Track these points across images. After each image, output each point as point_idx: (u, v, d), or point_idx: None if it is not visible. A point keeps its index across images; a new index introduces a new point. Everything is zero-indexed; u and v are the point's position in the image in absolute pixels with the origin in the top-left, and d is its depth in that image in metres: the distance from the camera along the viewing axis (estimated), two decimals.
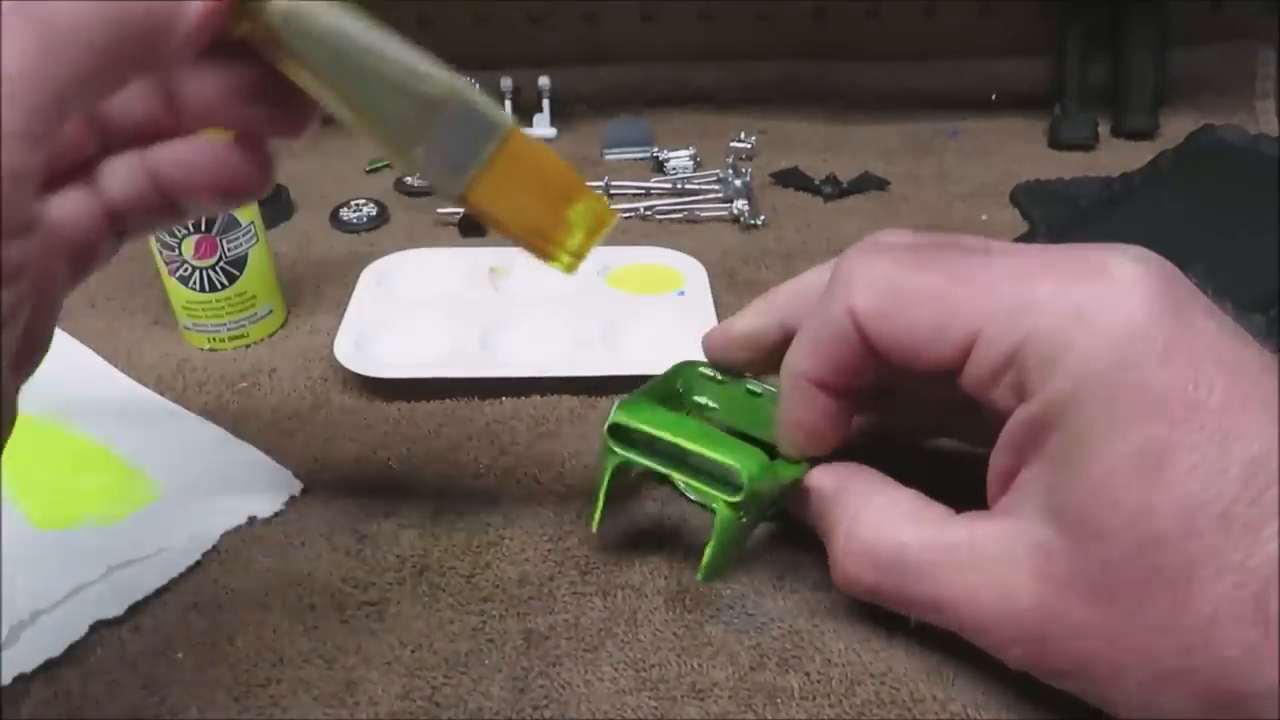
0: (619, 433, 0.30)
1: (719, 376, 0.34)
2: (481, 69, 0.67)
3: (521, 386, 0.40)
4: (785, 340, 0.30)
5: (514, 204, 0.24)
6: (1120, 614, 0.23)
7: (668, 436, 0.29)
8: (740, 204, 0.55)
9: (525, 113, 0.68)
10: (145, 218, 0.25)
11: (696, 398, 0.34)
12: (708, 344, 0.33)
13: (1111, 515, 0.23)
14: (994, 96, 0.69)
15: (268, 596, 0.31)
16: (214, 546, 0.32)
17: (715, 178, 0.59)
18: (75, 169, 0.25)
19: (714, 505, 0.29)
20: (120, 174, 0.25)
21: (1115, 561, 0.23)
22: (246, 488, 0.35)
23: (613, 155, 0.65)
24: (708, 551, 0.29)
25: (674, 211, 0.57)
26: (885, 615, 0.29)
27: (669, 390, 0.34)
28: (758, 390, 0.33)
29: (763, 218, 0.55)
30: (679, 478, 0.30)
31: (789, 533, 0.32)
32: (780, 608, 0.30)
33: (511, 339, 0.42)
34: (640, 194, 0.59)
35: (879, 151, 0.64)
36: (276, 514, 0.34)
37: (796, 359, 0.28)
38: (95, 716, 0.27)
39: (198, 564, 0.32)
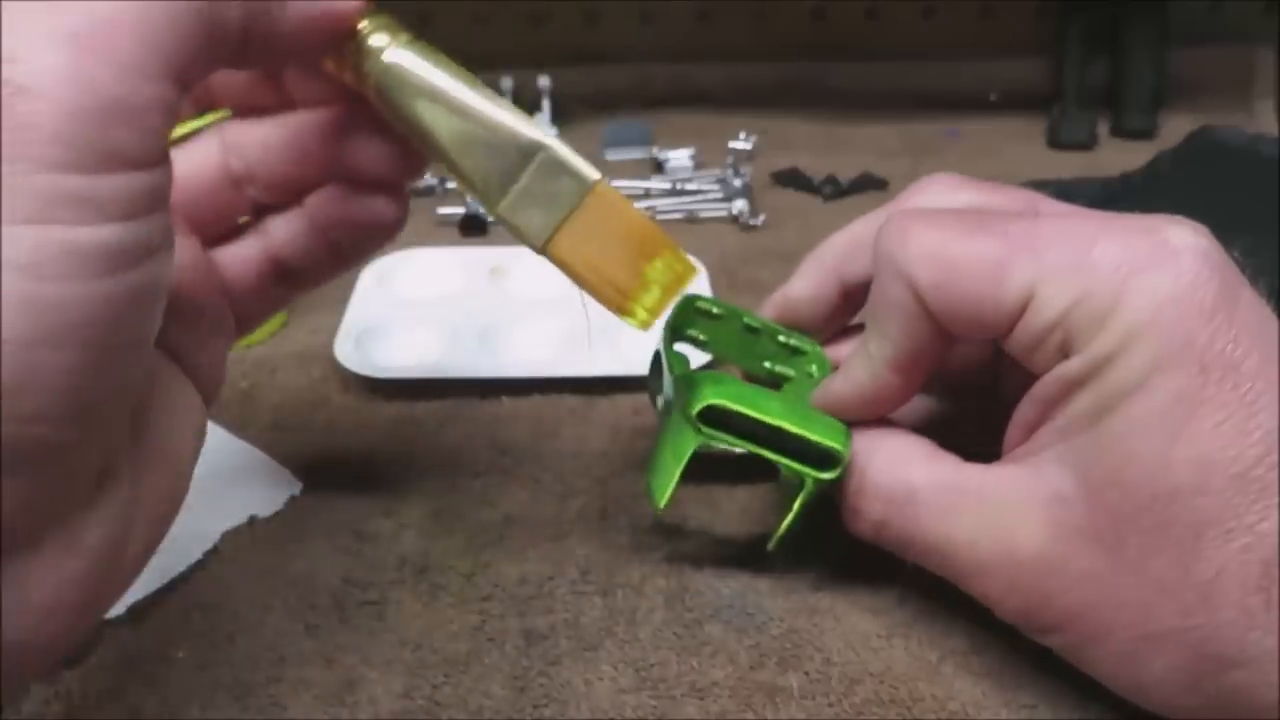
0: (708, 413, 0.28)
1: (715, 310, 0.33)
2: (481, 69, 0.67)
3: (521, 386, 0.40)
4: (843, 297, 0.31)
5: (594, 257, 0.24)
6: (1125, 566, 0.23)
7: (766, 419, 0.28)
8: (740, 204, 0.55)
9: (525, 113, 0.68)
10: (308, 263, 0.27)
11: (690, 331, 0.33)
12: (768, 315, 0.33)
13: (1131, 465, 0.23)
14: (994, 96, 0.69)
15: (268, 596, 0.31)
16: (214, 546, 0.32)
17: (715, 178, 0.59)
18: (238, 229, 0.27)
19: (804, 479, 0.28)
20: (283, 222, 0.27)
21: (1127, 512, 0.23)
22: (246, 488, 0.35)
23: (613, 155, 0.65)
24: (785, 524, 0.29)
25: (674, 211, 0.57)
26: (885, 615, 0.30)
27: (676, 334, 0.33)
28: (756, 325, 0.33)
29: (762, 218, 0.55)
30: (771, 456, 0.28)
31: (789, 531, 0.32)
32: (780, 608, 0.30)
33: (511, 339, 0.42)
34: (640, 194, 0.59)
35: (879, 151, 0.64)
36: (276, 514, 0.34)
37: (877, 347, 0.28)
38: (95, 716, 0.27)
39: (198, 564, 0.32)
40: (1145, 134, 0.65)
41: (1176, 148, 0.53)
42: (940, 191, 0.30)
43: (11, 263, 0.16)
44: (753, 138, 0.64)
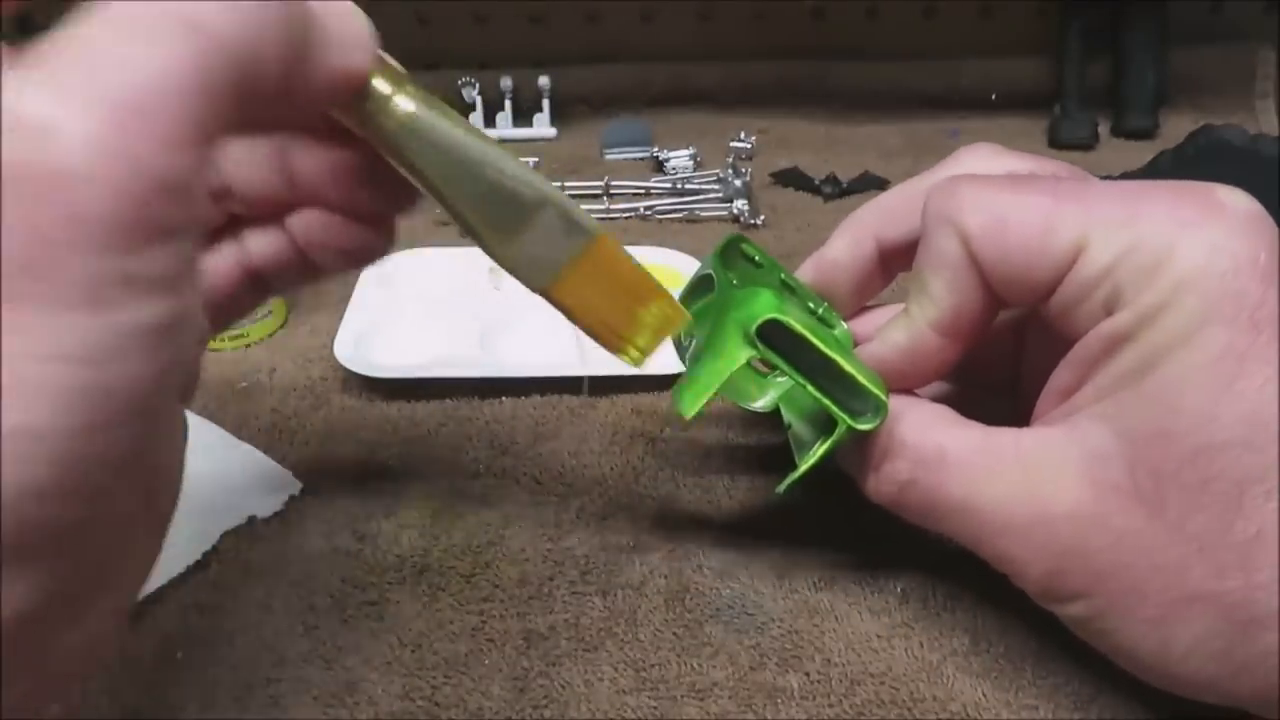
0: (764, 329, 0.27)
1: (757, 258, 0.32)
2: (481, 69, 0.67)
3: (521, 386, 0.40)
4: (880, 262, 0.31)
5: (592, 302, 0.25)
6: (1163, 524, 0.23)
7: (824, 349, 0.27)
8: (740, 204, 0.56)
9: (525, 113, 0.68)
10: (284, 274, 0.27)
11: (729, 272, 0.32)
12: (806, 278, 0.33)
13: (1176, 419, 0.23)
14: (994, 96, 0.69)
15: (268, 596, 0.31)
16: (214, 546, 0.32)
17: (715, 177, 0.59)
18: (217, 232, 0.26)
19: (838, 425, 0.27)
20: (262, 237, 0.27)
21: (1170, 468, 0.23)
22: (246, 488, 0.35)
23: (613, 155, 0.65)
24: (803, 468, 0.28)
25: (674, 211, 0.57)
26: (885, 615, 0.29)
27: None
28: (792, 285, 0.32)
29: (762, 218, 0.55)
30: (813, 392, 0.27)
31: (789, 531, 0.32)
32: (780, 608, 0.30)
33: (511, 339, 0.42)
34: (640, 194, 0.59)
35: (879, 151, 0.64)
36: (276, 514, 0.34)
37: (919, 308, 0.28)
38: (95, 716, 0.27)
39: (198, 564, 0.32)
40: (1146, 134, 0.65)
41: (1177, 147, 0.53)
42: (983, 158, 0.30)
43: (71, 353, 0.15)
44: (753, 138, 0.64)
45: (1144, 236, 0.24)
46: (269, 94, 0.19)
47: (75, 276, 0.15)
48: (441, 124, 0.23)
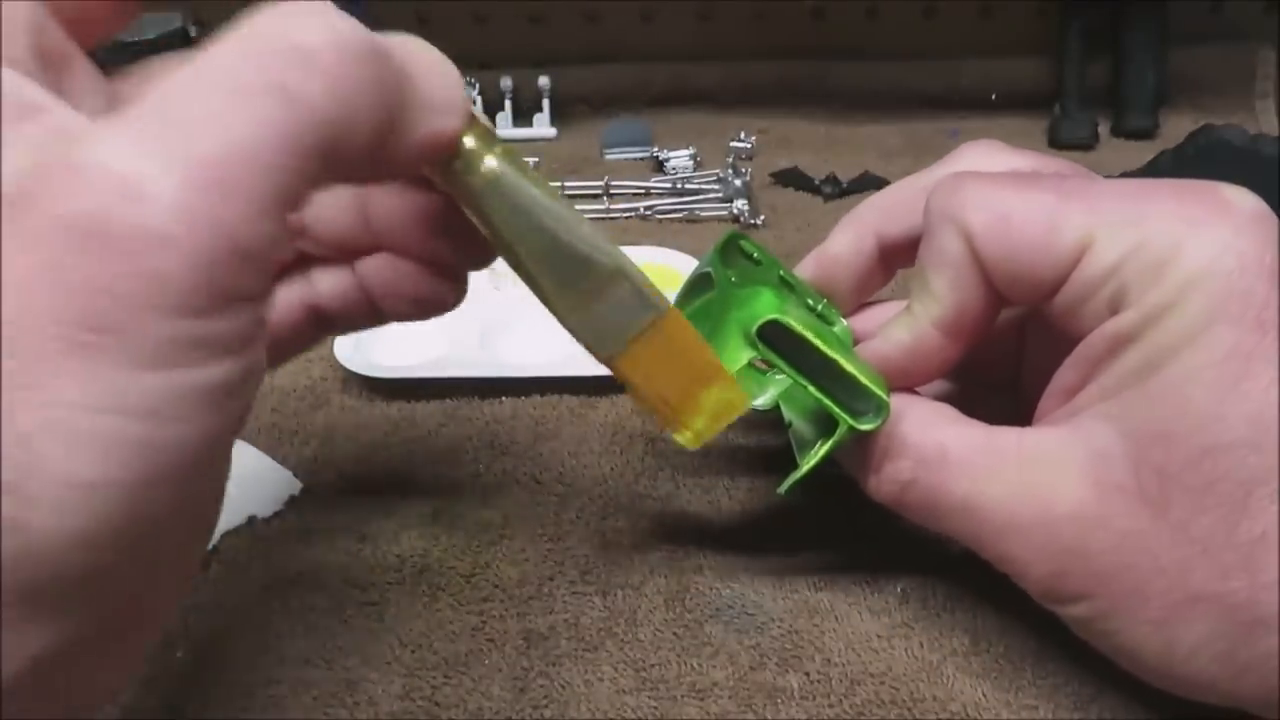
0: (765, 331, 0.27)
1: (755, 255, 0.32)
2: (481, 69, 0.67)
3: (521, 386, 0.40)
4: (880, 258, 0.30)
5: (654, 377, 0.25)
6: (1167, 525, 0.23)
7: (825, 350, 0.27)
8: (740, 204, 0.56)
9: (525, 113, 0.68)
10: (348, 316, 0.27)
11: (727, 270, 0.32)
12: (806, 273, 0.32)
13: (1181, 419, 0.23)
14: (994, 96, 0.69)
15: (268, 596, 0.31)
16: (214, 546, 0.32)
17: (715, 177, 0.59)
18: (286, 267, 0.26)
19: (839, 425, 0.27)
20: (330, 277, 0.26)
21: (1174, 469, 0.23)
22: (246, 488, 0.35)
23: (613, 155, 0.65)
24: (804, 469, 0.28)
25: (674, 211, 0.57)
26: (885, 615, 0.29)
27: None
28: (791, 282, 0.32)
29: (762, 218, 0.55)
30: (814, 393, 0.27)
31: (789, 531, 0.32)
32: (780, 608, 0.30)
33: (511, 339, 0.42)
34: (640, 194, 0.59)
35: (879, 151, 0.64)
36: (276, 514, 0.34)
37: (922, 306, 0.27)
38: (94, 717, 0.27)
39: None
40: (1146, 134, 0.65)
41: (1177, 147, 0.53)
42: (985, 155, 0.30)
43: (130, 409, 0.15)
44: (753, 138, 0.64)
45: (1150, 235, 0.23)
46: (358, 159, 0.19)
47: (144, 335, 0.15)
48: (524, 186, 0.23)
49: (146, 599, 0.18)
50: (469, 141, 0.22)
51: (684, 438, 0.26)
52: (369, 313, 0.27)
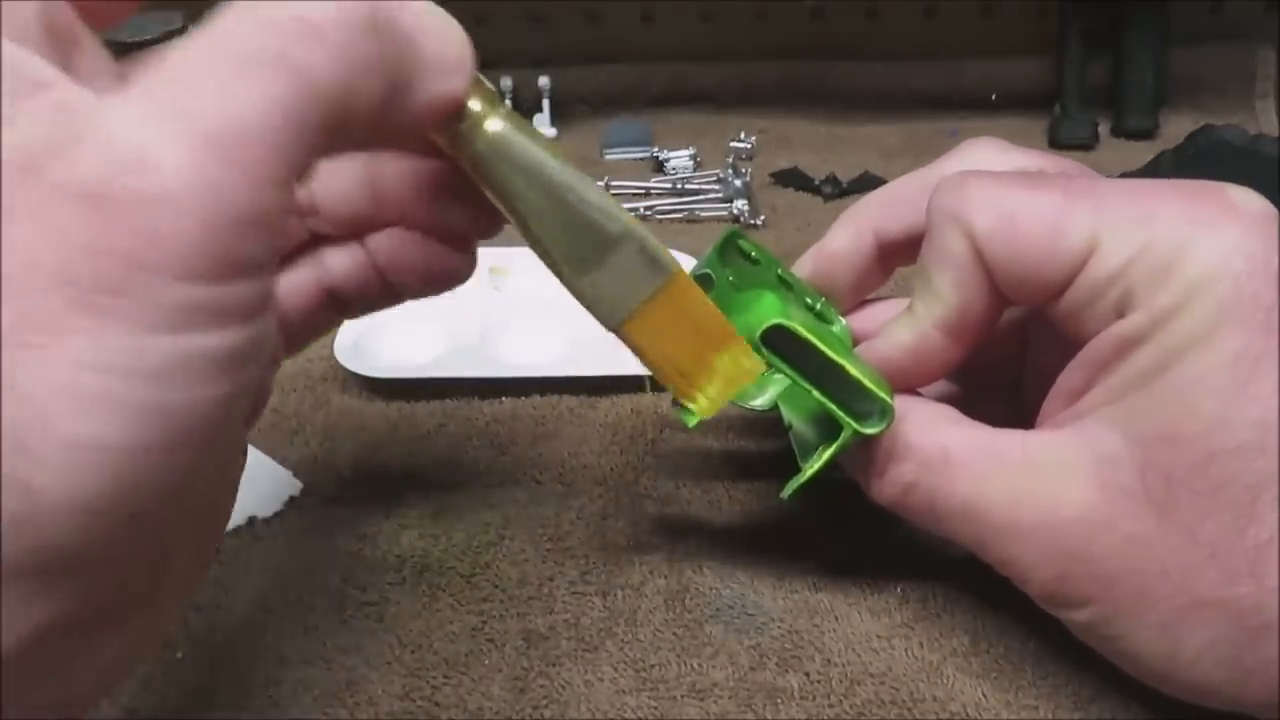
0: (771, 336, 0.27)
1: (753, 254, 0.32)
2: (481, 69, 0.67)
3: (521, 386, 0.40)
4: (879, 255, 0.30)
5: (664, 343, 0.25)
6: (1174, 529, 0.23)
7: (830, 354, 0.26)
8: (740, 204, 0.56)
9: (525, 113, 0.67)
10: (361, 295, 0.27)
11: (725, 270, 0.32)
12: (805, 271, 0.32)
13: (1188, 422, 0.22)
14: (994, 96, 0.69)
15: (268, 596, 0.31)
16: None
17: (715, 178, 0.59)
18: (297, 250, 0.26)
19: (843, 429, 0.27)
20: (341, 256, 0.26)
21: (1181, 473, 0.23)
22: (246, 488, 0.34)
23: (613, 155, 0.65)
24: (808, 473, 0.28)
25: (674, 211, 0.57)
26: (885, 615, 0.29)
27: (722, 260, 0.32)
28: (790, 281, 0.32)
29: (763, 218, 0.55)
30: (819, 397, 0.27)
31: (789, 531, 0.32)
32: (780, 608, 0.30)
33: (511, 339, 0.42)
34: (640, 194, 0.59)
35: (879, 151, 0.64)
36: (276, 514, 0.34)
37: (924, 307, 0.27)
38: (95, 716, 0.27)
39: None
40: (1146, 134, 0.65)
41: (1177, 147, 0.53)
42: (987, 153, 0.29)
43: (139, 371, 0.15)
44: (753, 138, 0.64)
45: (1157, 237, 0.23)
46: (364, 126, 0.19)
47: (152, 299, 0.15)
48: (529, 146, 0.23)
49: (157, 578, 0.18)
50: (474, 104, 0.22)
51: (698, 405, 0.26)
52: (382, 291, 0.27)
